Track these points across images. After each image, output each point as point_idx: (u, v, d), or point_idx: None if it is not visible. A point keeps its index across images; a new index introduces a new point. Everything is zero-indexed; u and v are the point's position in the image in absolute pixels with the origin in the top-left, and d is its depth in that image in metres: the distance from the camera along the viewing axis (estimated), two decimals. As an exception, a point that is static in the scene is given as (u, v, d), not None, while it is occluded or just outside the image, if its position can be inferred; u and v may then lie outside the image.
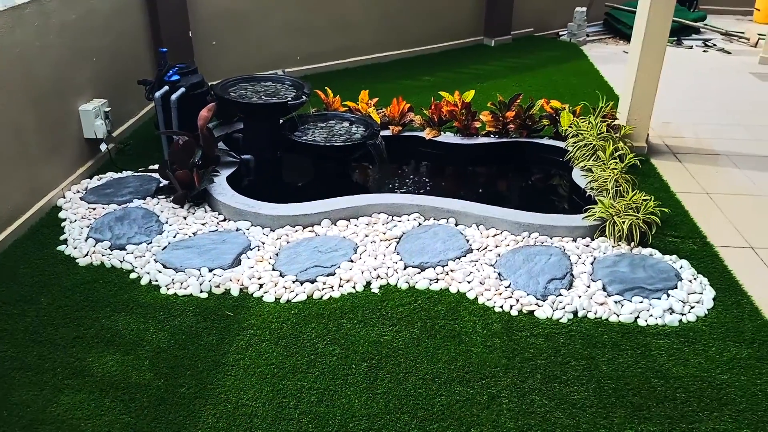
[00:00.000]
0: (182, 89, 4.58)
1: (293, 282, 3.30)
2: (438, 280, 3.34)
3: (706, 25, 9.37)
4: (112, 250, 3.54)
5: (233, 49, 6.15)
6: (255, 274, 3.35)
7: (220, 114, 4.86)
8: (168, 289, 3.26)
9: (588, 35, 8.79)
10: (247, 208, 3.78)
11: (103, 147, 4.48)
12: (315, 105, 5.23)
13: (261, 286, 3.29)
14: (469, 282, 3.31)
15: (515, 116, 4.86)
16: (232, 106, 4.56)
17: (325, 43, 6.79)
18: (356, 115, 4.77)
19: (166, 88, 4.59)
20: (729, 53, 8.25)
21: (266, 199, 4.03)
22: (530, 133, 4.92)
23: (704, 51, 8.36)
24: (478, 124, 4.91)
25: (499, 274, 3.35)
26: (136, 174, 4.34)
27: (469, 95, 4.95)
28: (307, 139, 4.31)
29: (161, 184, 4.16)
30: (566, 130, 4.76)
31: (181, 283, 3.28)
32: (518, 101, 4.89)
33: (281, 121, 4.60)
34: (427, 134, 4.89)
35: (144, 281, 3.31)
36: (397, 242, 3.64)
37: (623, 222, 3.62)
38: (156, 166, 4.46)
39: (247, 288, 3.27)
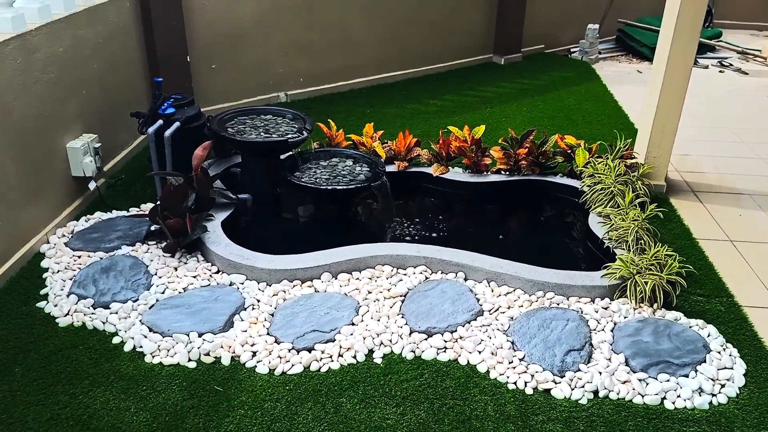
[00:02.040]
0: (177, 124, 4.34)
1: (289, 350, 3.05)
2: (446, 348, 3.09)
3: (721, 42, 9.09)
4: (95, 309, 3.29)
5: (233, 71, 5.90)
6: (248, 340, 3.10)
7: (217, 148, 4.61)
8: (153, 357, 3.01)
9: (600, 52, 8.52)
10: (242, 261, 3.53)
11: (91, 185, 4.24)
12: (318, 137, 4.98)
13: (254, 354, 3.05)
14: (480, 352, 3.06)
15: (528, 153, 4.60)
16: (229, 144, 4.31)
17: (329, 63, 6.53)
18: (360, 151, 4.51)
19: (160, 122, 4.34)
20: (746, 74, 7.97)
21: (264, 245, 3.78)
22: (543, 170, 4.67)
23: (720, 71, 8.08)
24: (488, 161, 4.65)
25: (512, 343, 3.10)
26: (126, 215, 4.09)
27: (480, 131, 4.69)
28: (308, 181, 4.06)
29: (152, 228, 3.91)
30: (582, 169, 4.50)
31: (168, 351, 3.03)
32: (531, 137, 4.63)
33: (282, 156, 4.36)
34: (434, 171, 4.63)
35: (128, 347, 3.06)
36: (402, 301, 3.39)
37: (646, 282, 3.36)
38: (147, 208, 4.22)
39: (239, 356, 3.02)
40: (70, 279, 3.49)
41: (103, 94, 4.54)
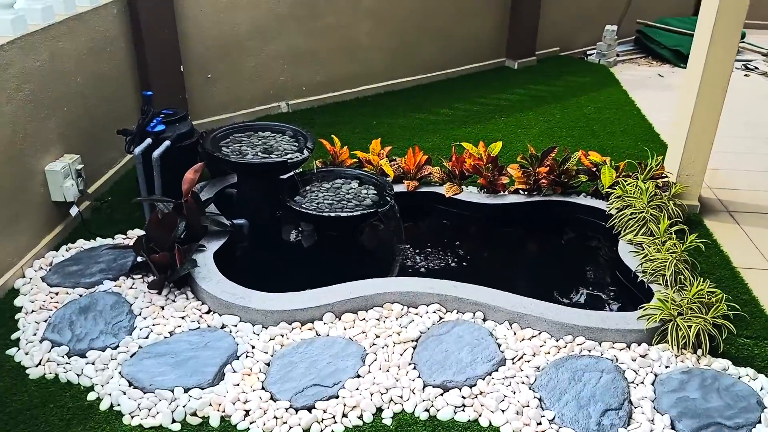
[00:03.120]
0: (167, 143, 3.98)
1: (287, 410, 2.68)
2: (465, 407, 2.72)
3: (744, 43, 8.66)
4: (70, 358, 2.94)
5: (230, 81, 5.54)
6: (241, 397, 2.74)
7: (211, 167, 4.26)
8: (132, 417, 2.65)
9: (618, 55, 8.12)
10: (235, 301, 3.17)
11: (73, 211, 3.89)
12: (321, 154, 4.61)
13: (247, 413, 2.68)
14: (503, 411, 2.68)
15: (549, 171, 4.22)
16: (222, 164, 3.95)
17: (333, 71, 6.16)
18: (367, 171, 4.13)
19: (149, 141, 3.99)
20: (774, 78, 7.55)
21: (261, 278, 3.43)
22: (565, 190, 4.28)
23: (745, 75, 7.66)
24: (505, 180, 4.27)
25: (540, 399, 2.72)
26: (110, 245, 3.73)
27: (496, 148, 4.31)
28: (309, 206, 3.70)
29: (138, 259, 3.56)
30: (608, 190, 4.12)
31: (149, 410, 2.67)
32: (553, 155, 4.25)
33: (282, 177, 4.00)
34: (447, 191, 4.26)
35: (104, 405, 2.70)
36: (414, 347, 3.02)
37: (689, 326, 2.98)
38: (134, 235, 3.87)
39: (230, 416, 2.66)
40: (45, 321, 3.14)
41: (88, 111, 4.19)
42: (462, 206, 4.25)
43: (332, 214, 3.60)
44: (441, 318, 3.21)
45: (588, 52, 8.17)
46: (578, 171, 4.32)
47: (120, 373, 2.86)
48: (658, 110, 6.19)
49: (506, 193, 4.29)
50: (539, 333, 3.10)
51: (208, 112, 5.48)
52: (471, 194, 4.30)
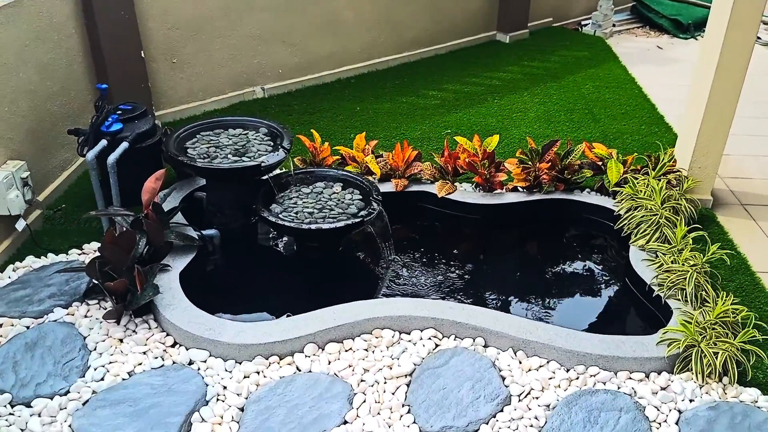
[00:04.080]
0: (124, 144, 3.55)
1: (263, 469, 2.34)
2: (467, 458, 2.39)
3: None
4: (13, 408, 2.56)
5: (198, 66, 5.05)
6: (209, 454, 2.39)
7: (178, 169, 3.83)
8: (84, 484, 2.30)
9: (614, 24, 7.68)
10: (204, 333, 2.78)
11: (20, 225, 3.46)
12: (300, 151, 4.19)
13: (217, 474, 2.34)
14: (510, 464, 2.36)
15: (550, 166, 3.84)
16: (188, 169, 3.53)
17: (312, 51, 5.68)
18: (351, 172, 3.72)
19: (104, 143, 3.55)
20: (778, 49, 7.16)
21: (234, 300, 3.07)
22: (568, 186, 3.91)
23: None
24: (502, 177, 3.89)
25: (553, 448, 2.40)
26: (60, 269, 3.29)
27: (493, 142, 3.91)
28: (286, 218, 3.29)
29: (93, 282, 3.16)
30: (615, 189, 3.76)
31: (104, 475, 2.32)
32: (554, 149, 3.86)
33: (257, 179, 3.60)
34: (439, 191, 3.87)
35: (51, 469, 2.34)
36: (408, 384, 2.67)
37: (715, 354, 2.65)
38: (91, 249, 3.46)
39: (197, 479, 2.32)
40: (-15, 361, 2.75)
41: (34, 109, 3.73)
42: (456, 207, 3.87)
43: (313, 227, 3.20)
44: (437, 346, 2.86)
45: (583, 23, 7.72)
46: (582, 165, 3.94)
47: (70, 426, 2.48)
48: (660, 88, 5.80)
49: (504, 191, 3.92)
50: (547, 362, 2.75)
51: (175, 101, 5.01)
52: (465, 193, 3.91)
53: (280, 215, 3.31)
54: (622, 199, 3.63)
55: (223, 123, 3.84)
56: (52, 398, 2.58)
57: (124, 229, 3.14)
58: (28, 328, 2.93)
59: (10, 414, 2.54)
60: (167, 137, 3.63)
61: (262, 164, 3.40)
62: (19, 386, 2.63)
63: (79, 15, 4.16)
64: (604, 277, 3.50)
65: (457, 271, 3.48)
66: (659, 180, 3.65)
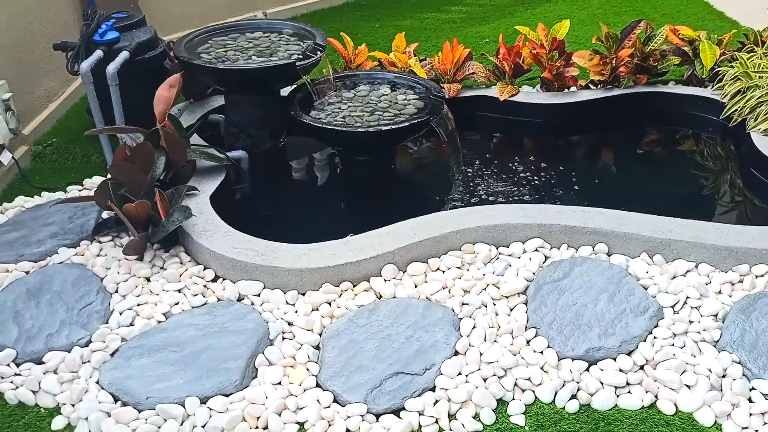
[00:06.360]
0: (125, 54, 2.90)
1: (362, 417, 1.75)
2: (629, 385, 1.82)
3: None
4: (19, 366, 1.95)
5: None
6: (288, 403, 1.79)
7: (186, 88, 3.17)
8: (126, 455, 1.70)
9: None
10: (256, 260, 2.18)
11: (5, 158, 2.81)
12: (330, 61, 3.55)
13: (301, 427, 1.75)
14: (689, 387, 1.79)
15: (631, 55, 3.24)
16: (205, 76, 2.89)
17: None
18: (397, 72, 3.11)
19: (99, 53, 2.89)
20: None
21: (272, 228, 2.47)
22: (651, 78, 3.33)
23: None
24: (574, 71, 3.29)
25: (740, 363, 1.83)
26: (62, 199, 2.67)
27: (562, 28, 3.31)
28: (333, 121, 2.68)
29: (104, 215, 2.54)
30: (711, 73, 3.19)
31: (151, 440, 1.72)
32: (637, 32, 3.25)
33: (286, 90, 2.98)
34: (499, 93, 3.26)
35: (79, 437, 1.75)
36: (525, 303, 2.10)
37: None
38: (91, 186, 2.82)
39: (277, 437, 1.73)
40: (-24, 315, 2.13)
41: (12, 25, 3.06)
42: (522, 111, 3.27)
43: (371, 129, 2.59)
44: (546, 258, 2.28)
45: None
46: (666, 52, 3.35)
47: (98, 382, 1.88)
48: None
49: (576, 88, 3.32)
50: (695, 265, 2.18)
51: (167, 27, 4.30)
52: (531, 94, 3.32)
53: (322, 120, 2.69)
54: (726, 83, 3.05)
55: (239, 27, 3.19)
56: (69, 350, 1.97)
57: (138, 143, 2.51)
58: (27, 273, 2.31)
59: (16, 374, 1.93)
60: (176, 44, 2.97)
61: (296, 62, 2.75)
62: (25, 339, 2.02)
63: None
64: (723, 172, 2.94)
65: (540, 178, 2.88)
66: (770, 56, 3.06)
